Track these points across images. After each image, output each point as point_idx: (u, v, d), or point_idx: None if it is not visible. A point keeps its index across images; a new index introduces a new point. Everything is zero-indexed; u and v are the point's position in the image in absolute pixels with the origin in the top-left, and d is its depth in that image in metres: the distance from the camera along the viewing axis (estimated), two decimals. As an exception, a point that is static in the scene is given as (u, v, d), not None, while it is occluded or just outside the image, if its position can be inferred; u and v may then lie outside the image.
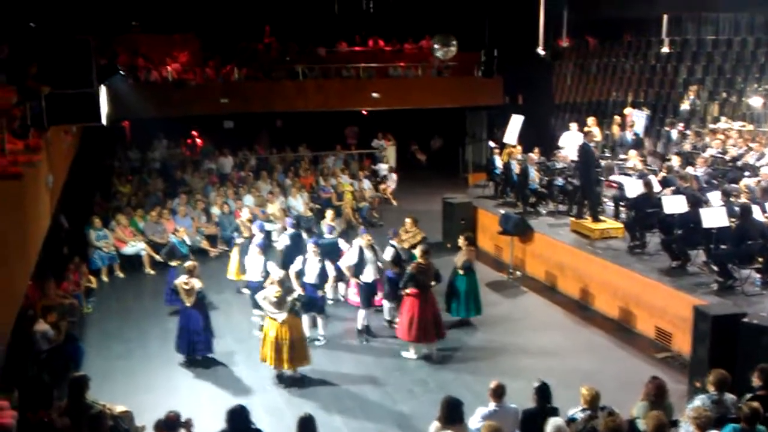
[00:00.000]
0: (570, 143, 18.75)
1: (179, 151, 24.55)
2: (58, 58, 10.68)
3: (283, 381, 11.42)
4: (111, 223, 17.36)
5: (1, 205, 7.90)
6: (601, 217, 15.62)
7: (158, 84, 23.09)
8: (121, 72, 18.49)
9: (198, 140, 25.74)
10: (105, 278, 16.51)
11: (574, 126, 19.47)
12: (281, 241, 14.36)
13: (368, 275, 13.04)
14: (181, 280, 12.01)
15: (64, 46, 10.86)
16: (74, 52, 10.80)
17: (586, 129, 17.51)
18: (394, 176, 24.28)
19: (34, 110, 10.17)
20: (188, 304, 11.88)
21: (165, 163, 23.47)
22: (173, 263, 14.20)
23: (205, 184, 21.29)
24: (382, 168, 24.70)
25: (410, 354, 12.28)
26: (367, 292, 13.05)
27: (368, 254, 13.06)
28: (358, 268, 13.01)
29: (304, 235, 15.24)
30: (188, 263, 12.38)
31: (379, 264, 13.23)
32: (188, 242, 15.44)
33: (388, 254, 13.39)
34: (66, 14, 18.54)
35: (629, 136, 18.68)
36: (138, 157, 23.91)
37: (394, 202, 23.46)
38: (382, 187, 23.77)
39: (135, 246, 17.18)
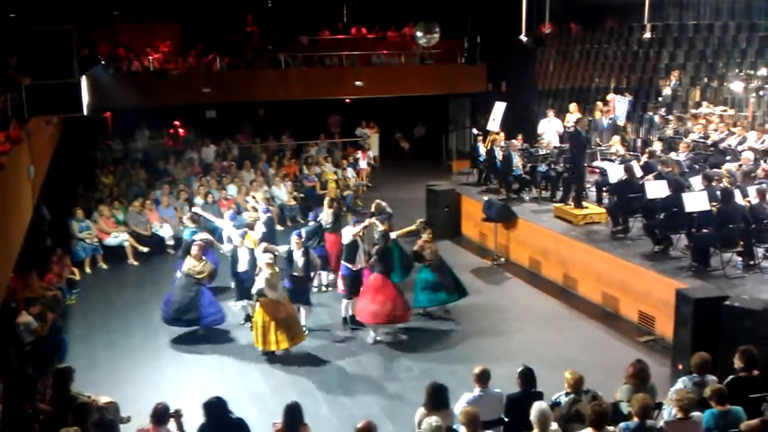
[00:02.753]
0: (547, 130, 18.88)
1: (161, 142, 24.42)
2: (38, 49, 10.62)
3: (277, 361, 11.56)
4: (93, 214, 17.27)
5: (-18, 196, 7.87)
6: (584, 203, 15.69)
7: (140, 74, 22.90)
8: (102, 62, 18.36)
9: (180, 130, 25.61)
10: (88, 270, 16.40)
11: (551, 113, 19.56)
12: (257, 230, 14.31)
13: (358, 263, 13.05)
14: (191, 266, 12.32)
15: (45, 36, 10.79)
16: (55, 42, 10.74)
17: (577, 116, 17.60)
18: (362, 158, 24.41)
19: (14, 101, 10.11)
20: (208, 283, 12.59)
21: (147, 153, 23.35)
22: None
23: (188, 175, 21.22)
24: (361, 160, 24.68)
25: (371, 337, 12.44)
26: (354, 280, 13.04)
27: (358, 242, 13.06)
28: (350, 256, 13.00)
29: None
30: (195, 251, 12.51)
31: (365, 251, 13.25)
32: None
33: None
34: (46, 4, 18.37)
35: (605, 121, 18.77)
36: (120, 147, 23.79)
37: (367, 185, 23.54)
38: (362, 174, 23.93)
39: (118, 237, 17.10)
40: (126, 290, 15.34)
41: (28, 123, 10.90)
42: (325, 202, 15.19)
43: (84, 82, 11.92)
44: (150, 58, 23.42)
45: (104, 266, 16.73)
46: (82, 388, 8.57)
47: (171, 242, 17.56)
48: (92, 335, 12.91)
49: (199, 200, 18.78)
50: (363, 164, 24.11)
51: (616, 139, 17.67)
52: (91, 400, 8.07)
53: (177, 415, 7.51)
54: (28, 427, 7.99)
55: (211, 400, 7.36)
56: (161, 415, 7.40)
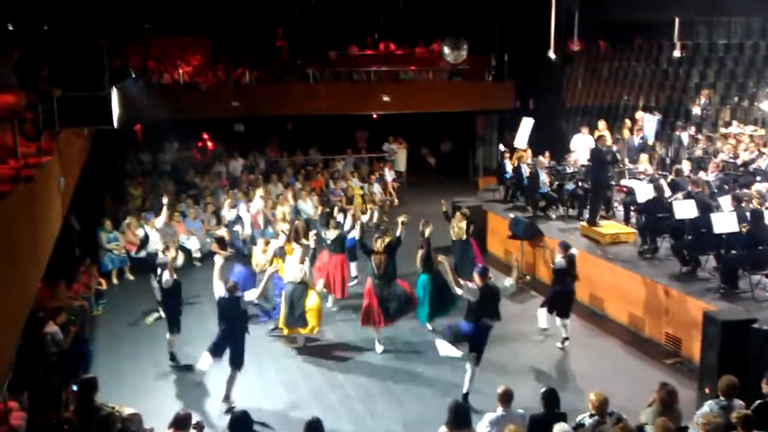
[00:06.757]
0: (581, 147, 18.72)
1: (190, 154, 24.63)
2: (70, 61, 10.74)
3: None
4: (122, 226, 17.42)
5: (13, 207, 7.93)
6: (602, 222, 15.55)
7: (169, 87, 23.12)
8: (133, 75, 18.52)
9: (209, 143, 25.81)
10: (115, 281, 16.57)
11: (585, 129, 19.44)
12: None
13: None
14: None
15: (77, 49, 10.92)
16: (87, 54, 10.86)
17: (598, 133, 17.49)
18: (388, 171, 24.57)
19: (46, 113, 10.23)
20: None
21: (176, 165, 23.55)
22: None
23: (216, 187, 21.36)
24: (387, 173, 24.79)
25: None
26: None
27: None
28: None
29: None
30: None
31: None
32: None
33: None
34: (78, 17, 18.60)
35: (636, 140, 18.64)
36: (149, 159, 24.01)
37: (396, 201, 23.55)
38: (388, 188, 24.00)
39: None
40: (152, 302, 15.36)
41: (59, 134, 11.02)
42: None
43: (114, 94, 12.04)
44: (180, 71, 23.63)
45: (131, 277, 16.86)
46: (107, 398, 8.63)
47: (198, 254, 17.68)
48: (118, 346, 13.01)
49: (226, 213, 18.90)
50: (389, 177, 24.19)
51: (644, 157, 17.55)
52: (114, 411, 8.12)
53: (199, 426, 7.57)
54: (53, 437, 8.05)
55: (237, 415, 7.42)
56: (183, 421, 7.45)
